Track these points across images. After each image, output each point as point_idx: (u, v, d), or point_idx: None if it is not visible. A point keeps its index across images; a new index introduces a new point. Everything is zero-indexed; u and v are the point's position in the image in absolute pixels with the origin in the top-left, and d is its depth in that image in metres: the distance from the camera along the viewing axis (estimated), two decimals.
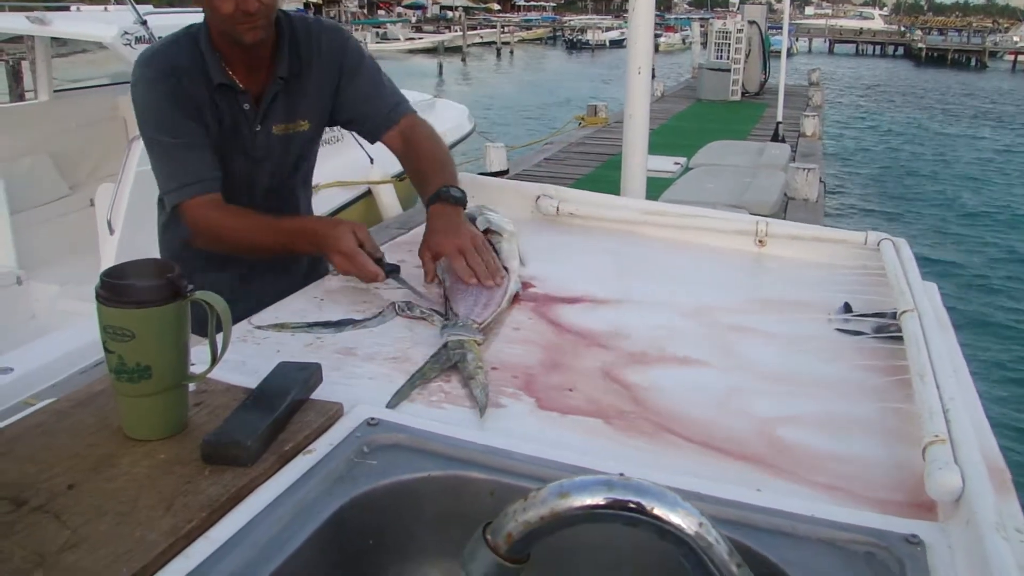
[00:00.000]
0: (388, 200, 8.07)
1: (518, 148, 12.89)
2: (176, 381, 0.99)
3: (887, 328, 1.50)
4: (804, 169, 8.51)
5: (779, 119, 12.32)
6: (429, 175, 1.85)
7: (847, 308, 1.63)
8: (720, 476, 1.02)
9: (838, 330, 1.55)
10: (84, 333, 4.81)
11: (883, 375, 1.31)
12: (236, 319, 1.55)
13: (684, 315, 1.57)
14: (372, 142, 2.03)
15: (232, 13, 1.71)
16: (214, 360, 1.03)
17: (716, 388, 1.28)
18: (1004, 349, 8.01)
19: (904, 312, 1.43)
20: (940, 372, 1.19)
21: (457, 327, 1.41)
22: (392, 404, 1.17)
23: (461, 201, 1.79)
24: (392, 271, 1.64)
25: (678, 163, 9.67)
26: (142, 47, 5.69)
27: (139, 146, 5.61)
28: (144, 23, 5.63)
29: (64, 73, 7.74)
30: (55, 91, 6.88)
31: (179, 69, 1.80)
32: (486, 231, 1.78)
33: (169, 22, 6.04)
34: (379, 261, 1.63)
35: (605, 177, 9.70)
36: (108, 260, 5.36)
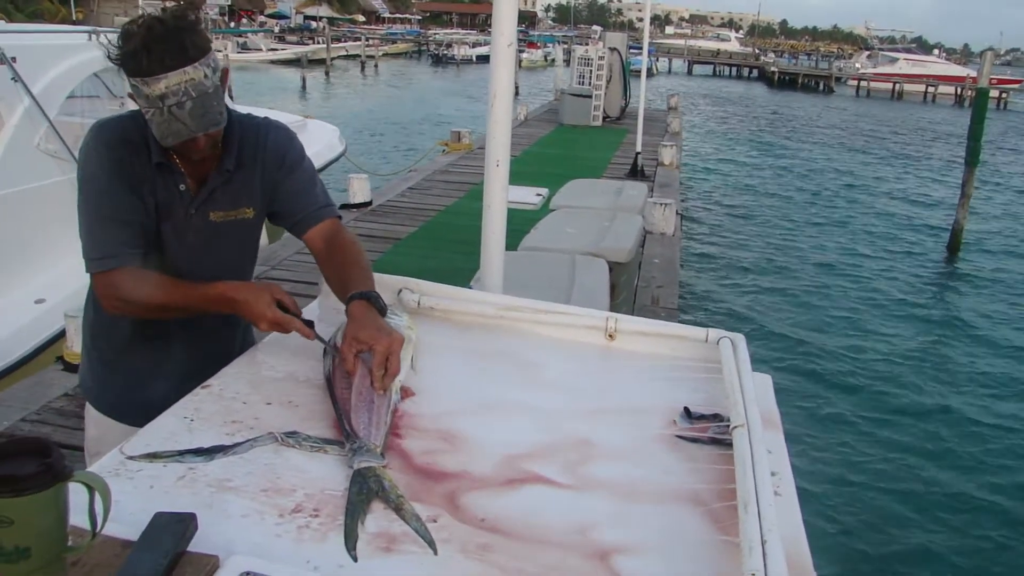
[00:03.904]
0: None
1: (384, 176, 12.94)
2: (55, 556, 1.04)
3: (722, 438, 1.66)
4: (661, 204, 8.89)
5: (638, 149, 12.77)
6: (355, 278, 1.97)
7: (688, 413, 1.78)
8: None
9: (678, 436, 1.71)
10: None
11: (717, 497, 1.46)
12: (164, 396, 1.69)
13: (537, 425, 1.70)
14: (298, 237, 2.14)
15: (181, 147, 1.86)
16: (94, 535, 1.08)
17: (565, 512, 1.40)
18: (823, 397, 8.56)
19: (736, 427, 1.60)
20: (763, 497, 1.35)
21: (363, 452, 1.49)
22: (354, 555, 1.24)
23: (384, 311, 1.90)
24: (310, 324, 1.84)
25: (540, 194, 9.90)
26: None
27: None
28: None
29: None
30: None
31: (129, 143, 1.91)
32: None
33: (22, 42, 5.82)
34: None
35: (468, 208, 9.86)
36: None
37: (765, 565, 1.18)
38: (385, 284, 2.21)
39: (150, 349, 2.13)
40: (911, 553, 5.90)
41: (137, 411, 1.79)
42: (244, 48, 54.30)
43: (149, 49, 1.72)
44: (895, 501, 6.55)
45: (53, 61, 5.96)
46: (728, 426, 1.66)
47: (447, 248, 8.25)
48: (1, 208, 5.39)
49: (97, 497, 1.08)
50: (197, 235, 2.03)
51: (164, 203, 1.96)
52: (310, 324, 1.85)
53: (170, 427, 1.60)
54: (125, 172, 1.90)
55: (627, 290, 5.93)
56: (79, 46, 6.31)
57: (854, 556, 5.73)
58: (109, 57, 1.79)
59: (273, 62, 52.14)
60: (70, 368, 4.92)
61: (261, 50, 55.85)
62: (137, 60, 1.74)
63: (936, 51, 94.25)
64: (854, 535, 5.99)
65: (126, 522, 1.19)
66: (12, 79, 5.53)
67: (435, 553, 1.26)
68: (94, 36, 6.39)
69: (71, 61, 6.12)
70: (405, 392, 1.77)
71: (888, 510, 6.41)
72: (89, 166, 1.92)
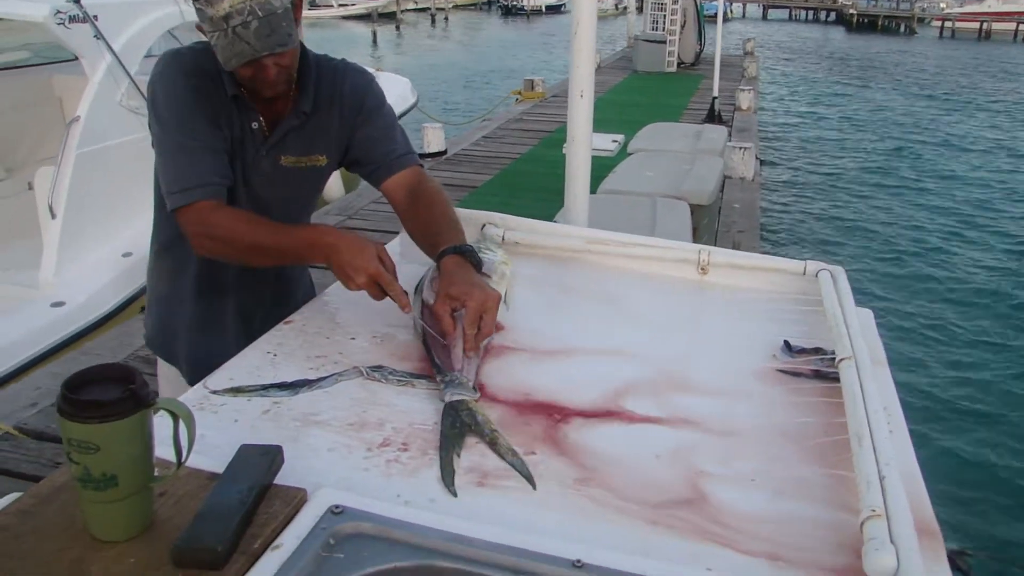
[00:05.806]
0: (332, 181, 8.00)
1: (457, 125, 12.87)
2: (142, 485, 1.01)
3: (827, 371, 1.57)
4: (740, 148, 8.66)
5: (715, 94, 12.46)
6: (444, 231, 1.82)
7: (788, 346, 1.69)
8: (671, 554, 1.07)
9: (779, 371, 1.61)
10: None
11: (824, 432, 1.37)
12: (225, 351, 1.61)
13: (631, 359, 1.63)
14: (376, 186, 1.99)
15: (251, 78, 1.74)
16: (180, 464, 1.04)
17: (663, 448, 1.33)
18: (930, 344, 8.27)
19: (842, 360, 1.50)
20: (877, 431, 1.26)
21: (456, 385, 1.44)
22: (452, 490, 1.20)
23: (479, 265, 1.75)
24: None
25: (616, 140, 9.75)
26: (77, 26, 5.57)
27: (79, 129, 5.50)
28: (78, 1, 5.49)
29: None
30: None
31: (204, 72, 1.80)
32: None
33: (102, 0, 5.88)
34: None
35: (544, 156, 9.77)
36: (51, 244, 5.31)
37: (885, 501, 1.10)
38: (469, 219, 2.14)
39: (208, 301, 2.05)
40: None
41: (201, 362, 1.73)
42: (314, 5, 54.32)
43: None
44: (1008, 449, 6.33)
45: (131, 18, 6.00)
46: (832, 359, 1.56)
47: (524, 195, 8.15)
48: (89, 163, 5.48)
49: (182, 426, 1.04)
50: (263, 178, 1.91)
51: (237, 139, 1.85)
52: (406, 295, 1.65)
53: (253, 361, 1.56)
54: (204, 100, 1.79)
55: (708, 234, 5.79)
56: (155, 3, 6.34)
57: (967, 500, 5.54)
58: None
59: (344, 18, 52.15)
60: None
61: (332, 6, 55.88)
62: None
63: None
64: (967, 482, 5.78)
65: (211, 455, 1.16)
66: (95, 36, 5.59)
67: (534, 488, 1.21)
68: None
69: (148, 18, 6.17)
70: (496, 327, 1.70)
71: (1003, 456, 6.19)
72: (167, 95, 1.79)
